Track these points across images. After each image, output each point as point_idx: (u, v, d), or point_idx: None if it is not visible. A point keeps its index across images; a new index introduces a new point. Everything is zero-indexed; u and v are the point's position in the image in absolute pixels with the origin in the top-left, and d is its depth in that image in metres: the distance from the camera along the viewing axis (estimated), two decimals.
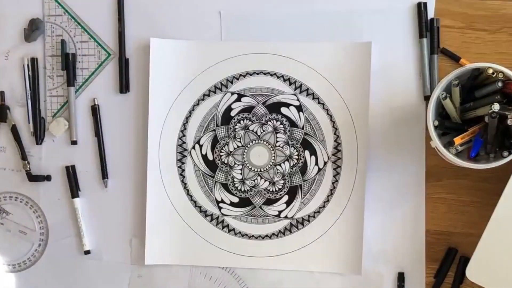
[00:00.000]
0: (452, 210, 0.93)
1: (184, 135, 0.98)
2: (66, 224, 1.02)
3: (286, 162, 0.96)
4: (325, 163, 0.95)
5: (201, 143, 0.98)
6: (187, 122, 0.98)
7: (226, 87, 0.97)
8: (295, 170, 0.96)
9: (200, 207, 0.98)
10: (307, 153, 0.96)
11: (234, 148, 0.97)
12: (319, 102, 0.95)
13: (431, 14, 0.93)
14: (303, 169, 0.96)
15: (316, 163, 0.96)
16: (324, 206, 0.95)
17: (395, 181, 0.94)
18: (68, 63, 1.00)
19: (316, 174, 0.96)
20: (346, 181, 0.94)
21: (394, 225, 0.94)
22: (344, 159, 0.95)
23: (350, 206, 0.94)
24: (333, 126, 0.95)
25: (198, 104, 0.98)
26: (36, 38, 1.02)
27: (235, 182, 0.97)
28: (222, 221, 0.97)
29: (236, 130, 0.97)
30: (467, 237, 0.92)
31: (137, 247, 1.00)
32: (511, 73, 0.80)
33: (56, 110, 1.02)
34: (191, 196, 0.98)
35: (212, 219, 0.98)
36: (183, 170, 0.98)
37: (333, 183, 0.95)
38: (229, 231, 0.97)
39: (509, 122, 0.80)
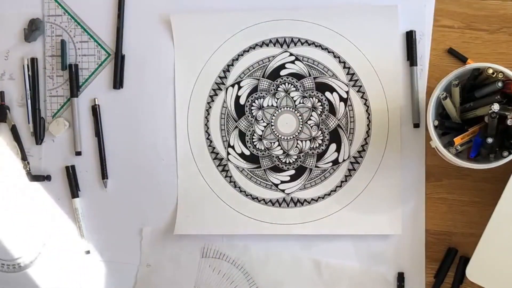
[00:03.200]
0: (452, 210, 0.93)
1: (225, 77, 0.98)
2: (66, 224, 1.02)
3: (308, 141, 0.96)
4: (344, 160, 0.95)
5: (241, 84, 0.97)
6: (232, 64, 0.98)
7: (288, 46, 0.97)
8: (313, 153, 0.96)
9: (213, 148, 0.98)
10: (332, 145, 0.95)
11: (268, 105, 0.97)
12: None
13: (430, 15, 0.93)
14: (321, 155, 0.96)
15: (336, 159, 0.95)
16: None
17: (395, 181, 0.94)
18: (71, 74, 1.00)
19: (330, 167, 0.96)
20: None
21: (394, 225, 0.94)
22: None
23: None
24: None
25: (248, 51, 0.97)
26: (36, 38, 1.02)
27: (253, 137, 0.97)
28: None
29: (278, 90, 0.97)
30: (467, 237, 0.92)
31: (148, 235, 1.00)
32: (511, 73, 0.80)
33: (56, 110, 1.02)
34: (209, 135, 0.98)
35: (220, 164, 0.98)
36: (209, 107, 0.98)
37: (341, 181, 0.95)
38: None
39: (509, 122, 0.80)
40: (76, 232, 1.01)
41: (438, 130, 0.85)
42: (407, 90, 0.94)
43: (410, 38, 0.93)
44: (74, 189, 1.01)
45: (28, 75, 1.01)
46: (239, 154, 0.98)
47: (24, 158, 1.01)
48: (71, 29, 1.01)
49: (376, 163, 0.94)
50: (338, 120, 0.96)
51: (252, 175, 0.97)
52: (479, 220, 0.90)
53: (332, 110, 0.96)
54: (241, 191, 0.98)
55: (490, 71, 0.81)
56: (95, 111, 1.00)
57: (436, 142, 0.83)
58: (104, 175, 1.00)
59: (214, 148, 0.98)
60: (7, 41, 1.02)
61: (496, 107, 0.79)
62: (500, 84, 0.81)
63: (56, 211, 1.02)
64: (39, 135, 1.01)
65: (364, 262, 0.95)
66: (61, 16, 1.01)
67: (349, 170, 0.95)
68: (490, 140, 0.81)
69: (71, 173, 1.01)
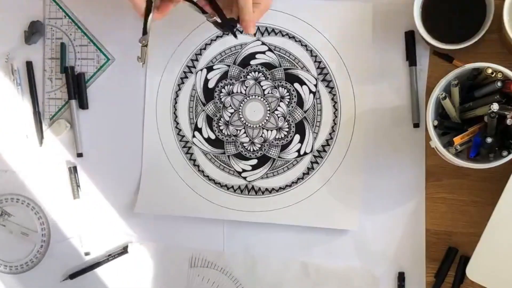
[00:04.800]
0: (452, 210, 0.93)
1: (197, 60, 0.98)
2: (68, 225, 1.02)
3: (274, 131, 0.97)
4: (306, 153, 0.96)
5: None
6: (205, 48, 0.98)
7: (262, 35, 0.97)
8: (277, 143, 0.97)
9: (180, 130, 0.99)
10: (297, 136, 0.96)
11: (237, 92, 0.98)
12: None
13: None
14: (285, 146, 0.97)
15: (299, 150, 0.96)
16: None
17: (395, 181, 0.94)
18: (69, 77, 1.00)
19: (294, 158, 0.96)
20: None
21: (394, 225, 0.94)
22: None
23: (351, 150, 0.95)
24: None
25: (221, 36, 0.98)
26: (36, 41, 1.02)
27: (245, 146, 0.98)
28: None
29: (247, 78, 0.97)
30: (467, 236, 0.92)
31: (134, 250, 1.00)
32: (510, 73, 0.80)
33: (54, 112, 1.02)
34: (176, 116, 0.99)
35: (184, 146, 0.98)
36: (179, 89, 0.99)
37: (303, 173, 0.96)
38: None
39: (508, 122, 0.80)
40: (77, 233, 1.02)
41: (438, 130, 0.85)
42: (407, 90, 0.94)
43: (409, 38, 0.93)
44: (75, 190, 1.01)
45: (28, 77, 1.02)
46: (205, 139, 0.98)
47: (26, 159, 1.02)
48: (71, 32, 1.02)
49: (339, 159, 0.95)
50: (305, 112, 0.96)
51: (216, 159, 0.98)
52: (479, 219, 0.90)
53: (301, 102, 0.96)
54: (204, 175, 0.98)
55: (489, 71, 0.81)
56: None
57: (435, 142, 0.83)
58: (104, 175, 1.00)
59: (180, 130, 0.99)
60: (8, 44, 1.03)
61: (495, 106, 0.79)
62: (499, 83, 0.81)
63: (58, 212, 1.02)
64: (39, 137, 1.01)
65: (364, 262, 0.95)
66: (61, 19, 1.02)
67: (312, 163, 0.96)
68: (489, 139, 0.81)
69: (72, 174, 1.01)
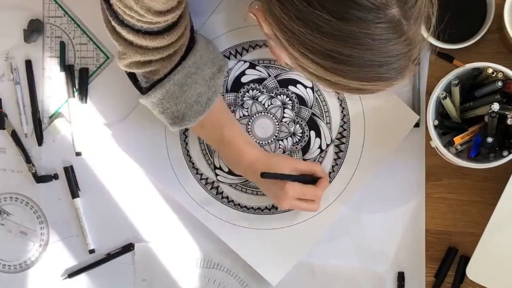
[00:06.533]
0: (452, 210, 0.93)
1: None
2: (67, 224, 1.02)
3: (289, 138, 0.96)
4: (327, 145, 0.95)
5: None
6: None
7: (241, 55, 0.97)
8: (297, 148, 0.96)
9: (197, 169, 0.98)
10: (312, 133, 0.96)
11: (240, 117, 0.97)
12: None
13: None
14: (305, 148, 0.96)
15: (320, 146, 0.96)
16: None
17: (395, 181, 0.94)
18: (68, 75, 1.00)
19: (318, 155, 0.96)
20: (346, 169, 0.94)
21: (394, 225, 0.94)
22: (349, 146, 0.95)
23: (342, 198, 0.94)
24: (342, 112, 0.95)
25: None
26: (35, 39, 1.02)
27: None
28: (217, 187, 0.97)
29: (244, 99, 0.97)
30: (467, 236, 0.92)
31: (140, 250, 1.00)
32: (511, 73, 0.80)
33: (53, 111, 1.02)
34: (190, 157, 0.98)
35: (207, 183, 0.98)
36: (186, 137, 0.98)
37: (333, 166, 0.95)
38: (222, 198, 0.97)
39: (508, 121, 0.80)
40: (78, 232, 1.01)
41: (438, 129, 0.85)
42: (407, 89, 0.93)
43: None
44: (74, 189, 1.01)
45: (27, 76, 1.01)
46: (227, 172, 0.97)
47: (28, 161, 1.01)
48: (70, 30, 1.01)
49: (360, 143, 0.95)
50: (311, 108, 0.96)
51: (243, 186, 0.97)
52: (479, 219, 0.90)
53: (303, 101, 0.96)
54: (235, 205, 0.97)
55: (490, 70, 0.81)
56: None
57: (436, 142, 0.83)
58: (104, 175, 1.00)
59: (198, 170, 0.98)
60: (7, 42, 1.02)
61: (496, 106, 0.79)
62: (500, 83, 0.81)
63: (57, 211, 1.02)
64: (38, 136, 1.01)
65: (364, 262, 0.95)
66: (61, 18, 1.01)
67: (336, 153, 0.95)
68: (490, 139, 0.81)
69: (70, 173, 1.01)
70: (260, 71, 0.97)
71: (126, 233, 1.00)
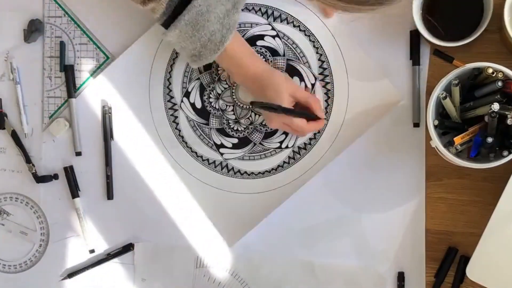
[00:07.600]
0: (452, 210, 0.93)
1: (171, 90, 0.98)
2: (67, 224, 1.02)
3: (261, 117, 0.96)
4: (313, 84, 0.95)
5: (189, 96, 0.98)
6: (170, 77, 0.98)
7: (274, 20, 0.96)
8: (261, 129, 0.96)
9: (201, 156, 0.98)
10: (296, 79, 0.95)
11: (222, 91, 0.97)
12: (294, 26, 0.95)
13: None
14: (268, 134, 0.96)
15: (306, 86, 0.96)
16: (311, 144, 0.95)
17: (395, 181, 0.94)
18: (68, 75, 1.00)
19: (273, 149, 0.96)
20: (338, 101, 0.95)
21: (394, 225, 0.94)
22: (334, 78, 0.95)
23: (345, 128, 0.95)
24: (314, 46, 0.95)
25: (177, 57, 0.98)
26: (35, 39, 1.02)
27: (230, 124, 0.97)
28: (226, 165, 0.97)
29: (219, 73, 0.97)
30: (467, 236, 0.92)
31: (140, 250, 1.00)
32: (511, 73, 0.80)
33: (53, 111, 1.02)
34: (190, 148, 0.98)
35: (216, 166, 0.98)
36: (177, 124, 0.99)
37: (326, 100, 0.95)
38: (235, 173, 0.97)
39: (509, 121, 0.80)
40: (78, 232, 1.01)
41: (438, 129, 0.85)
42: (407, 89, 0.93)
43: (414, 37, 0.93)
44: (74, 189, 1.01)
45: (14, 78, 1.02)
46: (191, 104, 0.98)
47: (28, 161, 1.01)
48: (70, 30, 1.01)
49: (314, 160, 0.95)
50: (284, 55, 0.96)
51: (197, 128, 0.98)
52: (479, 219, 0.90)
53: (275, 52, 0.96)
54: (183, 141, 0.98)
55: (490, 70, 0.81)
56: (104, 114, 1.00)
57: (436, 142, 0.83)
58: (105, 175, 1.00)
59: (171, 91, 0.98)
60: (7, 42, 1.02)
61: (496, 106, 0.79)
62: (500, 83, 0.81)
63: (57, 211, 1.02)
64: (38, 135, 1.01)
65: (364, 262, 0.95)
66: (61, 18, 1.01)
67: (289, 157, 0.96)
68: (490, 139, 0.81)
69: (70, 174, 1.01)
70: (279, 45, 0.96)
71: (126, 233, 1.01)
